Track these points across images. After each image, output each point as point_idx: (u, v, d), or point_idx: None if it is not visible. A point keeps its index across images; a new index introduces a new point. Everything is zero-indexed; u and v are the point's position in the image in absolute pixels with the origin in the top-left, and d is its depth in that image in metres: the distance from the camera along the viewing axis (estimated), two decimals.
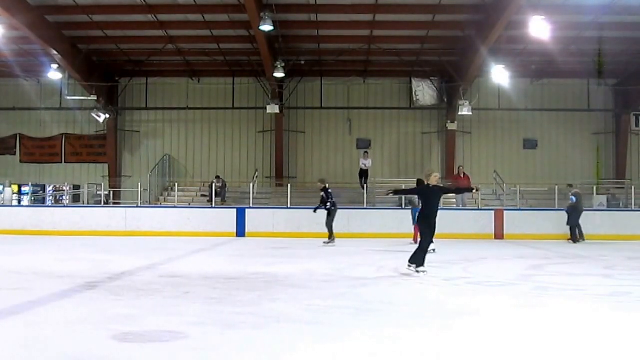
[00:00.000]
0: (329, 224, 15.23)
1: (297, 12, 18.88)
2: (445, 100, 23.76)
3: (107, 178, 24.51)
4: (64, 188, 24.18)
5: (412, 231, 15.80)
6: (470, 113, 22.25)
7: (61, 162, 25.48)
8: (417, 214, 15.85)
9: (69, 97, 23.41)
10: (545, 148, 24.64)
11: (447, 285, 7.95)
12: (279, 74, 21.29)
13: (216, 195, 21.11)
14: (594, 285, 8.19)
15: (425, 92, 23.91)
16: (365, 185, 21.24)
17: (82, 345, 4.35)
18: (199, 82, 24.96)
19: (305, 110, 24.85)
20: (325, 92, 24.74)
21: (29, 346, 4.32)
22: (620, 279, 9.02)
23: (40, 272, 8.79)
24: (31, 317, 5.46)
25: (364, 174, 22.31)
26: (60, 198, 25.44)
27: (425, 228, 8.82)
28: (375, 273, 9.28)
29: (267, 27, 17.34)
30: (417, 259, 8.73)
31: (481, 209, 19.84)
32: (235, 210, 19.42)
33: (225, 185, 22.31)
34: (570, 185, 18.66)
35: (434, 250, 9.41)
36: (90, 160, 25.41)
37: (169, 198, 22.63)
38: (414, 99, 24.04)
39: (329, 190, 15.36)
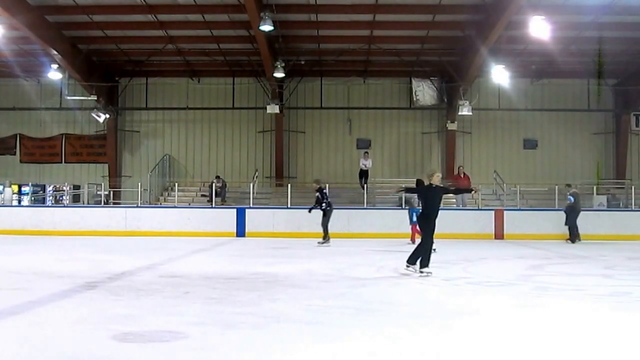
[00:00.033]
0: (324, 224, 15.30)
1: (297, 12, 18.88)
2: (445, 100, 23.75)
3: (107, 178, 24.51)
4: (64, 188, 24.17)
5: (416, 231, 15.84)
6: (470, 113, 22.25)
7: (61, 162, 25.47)
8: (414, 214, 15.96)
9: (69, 97, 23.40)
10: (545, 148, 24.63)
11: (447, 285, 7.95)
12: (279, 74, 21.29)
13: (216, 195, 21.11)
14: (594, 285, 8.19)
15: (425, 92, 23.90)
16: (365, 186, 21.24)
17: (82, 345, 4.35)
18: (199, 82, 24.96)
19: (305, 110, 24.85)
20: (325, 92, 24.74)
21: (29, 346, 4.32)
22: (620, 279, 9.02)
23: (40, 272, 8.79)
24: (31, 317, 5.46)
25: (364, 174, 22.30)
26: (60, 198, 25.44)
27: (427, 228, 8.79)
28: (375, 273, 9.28)
29: (267, 27, 17.33)
30: (422, 260, 8.65)
31: (481, 209, 19.84)
32: (235, 210, 19.42)
33: (225, 185, 22.30)
34: (569, 185, 18.66)
35: (434, 249, 9.38)
36: (90, 160, 25.41)
37: (169, 198, 22.63)
38: (414, 99, 24.04)
39: (324, 191, 15.41)
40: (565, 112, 24.40)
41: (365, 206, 20.07)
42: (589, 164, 24.50)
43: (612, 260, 11.79)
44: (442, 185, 9.36)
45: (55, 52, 20.08)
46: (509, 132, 24.67)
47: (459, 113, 22.17)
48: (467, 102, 21.88)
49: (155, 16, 19.05)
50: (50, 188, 26.04)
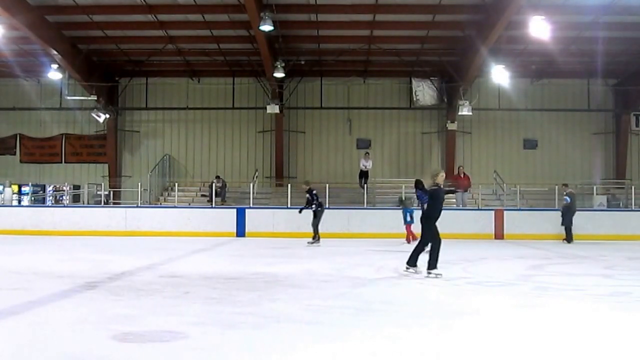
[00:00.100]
0: (314, 224, 15.47)
1: (297, 12, 18.87)
2: (445, 100, 23.75)
3: (107, 178, 24.50)
4: (64, 188, 24.18)
5: (411, 231, 15.86)
6: (470, 113, 22.24)
7: (61, 162, 25.46)
8: (407, 215, 15.99)
9: (69, 97, 23.39)
10: (545, 148, 24.63)
11: (447, 285, 7.94)
12: (279, 74, 21.29)
13: (216, 195, 21.11)
14: (594, 285, 8.19)
15: (425, 92, 23.90)
16: (365, 186, 21.23)
17: (82, 345, 4.36)
18: (199, 82, 24.95)
19: (305, 110, 24.84)
20: (325, 92, 24.74)
21: (29, 346, 4.32)
22: (620, 279, 9.03)
23: (40, 272, 8.79)
24: (31, 317, 5.46)
25: (363, 174, 22.29)
26: (60, 198, 25.44)
27: (434, 229, 8.68)
28: (375, 273, 9.28)
29: (267, 27, 17.33)
30: (430, 262, 8.53)
31: (481, 209, 19.85)
32: (235, 210, 19.43)
33: (225, 185, 22.30)
34: (565, 185, 18.63)
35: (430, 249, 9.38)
36: (90, 160, 25.40)
37: (169, 198, 22.63)
38: (414, 99, 24.03)
39: (314, 192, 15.58)
40: (565, 112, 24.40)
41: (365, 206, 20.08)
42: (589, 164, 24.50)
43: (612, 260, 11.80)
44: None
45: (55, 52, 20.08)
46: (509, 132, 24.66)
47: (459, 113, 22.16)
48: (467, 102, 21.88)
49: (155, 16, 19.04)
50: (50, 188, 26.05)
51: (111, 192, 23.36)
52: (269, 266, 10.02)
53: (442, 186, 8.91)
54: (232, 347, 4.36)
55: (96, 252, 12.68)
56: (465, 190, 20.67)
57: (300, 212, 15.90)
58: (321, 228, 15.71)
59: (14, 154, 25.57)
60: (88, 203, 22.82)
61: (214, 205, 20.53)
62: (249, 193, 20.37)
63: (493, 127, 24.66)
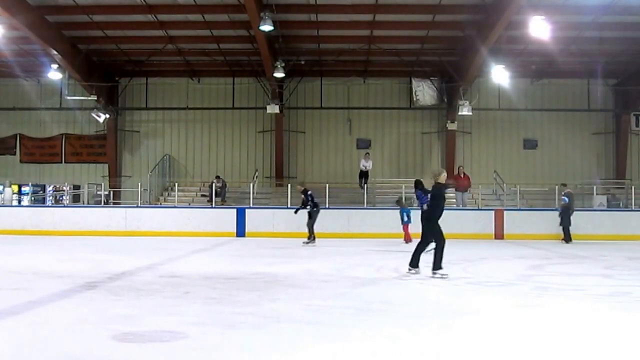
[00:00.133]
0: (309, 225, 15.52)
1: (297, 12, 18.88)
2: (445, 100, 23.75)
3: (107, 178, 24.50)
4: (64, 188, 24.18)
5: (408, 231, 15.86)
6: (470, 113, 22.24)
7: (61, 162, 25.47)
8: (405, 215, 15.99)
9: (69, 97, 23.39)
10: (545, 148, 24.63)
11: (447, 285, 7.94)
12: (279, 74, 21.29)
13: (216, 195, 21.11)
14: (594, 285, 8.19)
15: (425, 92, 23.90)
16: (365, 186, 21.22)
17: (82, 345, 4.35)
18: (199, 82, 24.96)
19: (305, 110, 24.84)
20: (325, 92, 24.74)
21: (29, 346, 4.32)
22: (620, 279, 9.03)
23: (40, 272, 8.79)
24: (31, 317, 5.46)
25: (363, 175, 22.28)
26: (60, 198, 25.45)
27: (437, 228, 8.61)
28: (375, 273, 9.28)
29: (267, 27, 17.33)
30: (435, 263, 8.47)
31: (481, 209, 19.85)
32: (235, 210, 19.43)
33: (225, 185, 22.31)
34: (564, 185, 18.62)
35: (434, 249, 9.36)
36: (90, 160, 25.40)
37: (169, 198, 22.63)
38: (414, 99, 24.03)
39: (309, 193, 15.64)
40: (565, 112, 24.40)
41: (365, 206, 20.08)
42: (589, 164, 24.50)
43: (612, 260, 11.79)
44: None
45: (55, 52, 20.08)
46: (509, 132, 24.66)
47: (459, 113, 22.17)
48: (467, 102, 21.88)
49: (155, 16, 19.05)
50: (50, 188, 26.05)
51: (111, 192, 23.37)
52: (269, 266, 10.02)
53: (445, 185, 8.88)
54: (232, 347, 4.36)
55: (96, 252, 12.68)
56: (465, 190, 20.68)
57: (295, 212, 15.98)
58: (321, 228, 15.76)
59: (14, 154, 25.57)
60: (88, 203, 22.82)
61: (214, 205, 20.53)
62: (249, 193, 20.37)
63: (493, 127, 24.66)
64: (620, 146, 24.25)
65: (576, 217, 17.70)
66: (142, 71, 24.02)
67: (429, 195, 8.96)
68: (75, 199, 24.43)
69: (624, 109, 24.10)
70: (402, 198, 17.21)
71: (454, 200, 21.12)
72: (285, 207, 19.59)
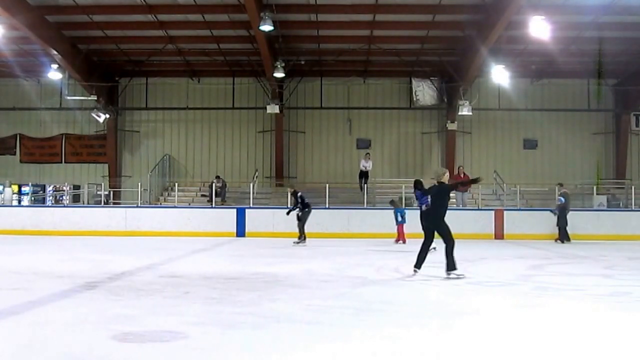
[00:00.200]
0: (300, 225, 15.60)
1: (297, 12, 18.88)
2: (445, 100, 23.75)
3: (107, 178, 24.51)
4: (64, 188, 24.18)
5: (402, 231, 15.84)
6: (470, 113, 22.25)
7: (61, 162, 25.47)
8: (399, 215, 15.98)
9: (69, 97, 23.40)
10: (545, 148, 24.64)
11: (447, 285, 7.94)
12: (279, 74, 21.29)
13: (216, 195, 21.12)
14: (594, 285, 8.19)
15: (425, 92, 23.90)
16: (364, 187, 21.21)
17: (82, 345, 4.35)
18: (199, 82, 24.96)
19: (305, 110, 24.85)
20: (325, 92, 24.74)
21: (29, 346, 4.32)
22: (620, 279, 9.02)
23: (40, 272, 8.79)
24: (31, 317, 5.46)
25: (363, 175, 22.26)
26: (60, 198, 25.45)
27: (446, 227, 8.48)
28: (375, 273, 9.28)
29: (267, 27, 17.34)
30: (448, 264, 8.36)
31: (481, 209, 19.85)
32: (235, 210, 19.43)
33: (225, 185, 22.31)
34: (560, 185, 18.60)
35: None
36: (90, 160, 25.41)
37: (169, 198, 22.63)
38: (414, 99, 24.04)
39: (299, 194, 15.77)
40: (565, 112, 24.41)
41: (365, 206, 20.08)
42: (589, 164, 24.50)
43: (612, 260, 11.79)
44: None
45: (55, 52, 20.09)
46: (509, 132, 24.67)
47: (459, 113, 22.17)
48: (467, 102, 21.89)
49: (155, 16, 19.05)
50: (50, 188, 26.05)
51: (111, 192, 23.38)
52: (269, 266, 10.02)
53: (449, 184, 8.87)
54: (232, 347, 4.36)
55: (96, 252, 12.68)
56: (465, 190, 20.68)
57: (287, 214, 16.11)
58: (321, 228, 15.88)
59: (14, 154, 25.57)
60: (88, 203, 22.82)
61: (214, 205, 20.54)
62: (249, 193, 20.37)
63: (493, 127, 24.66)
64: (620, 146, 24.25)
65: (576, 217, 17.72)
66: (142, 71, 24.03)
67: (431, 195, 8.89)
68: (75, 199, 24.44)
69: (624, 109, 24.11)
70: (395, 198, 17.22)
71: (454, 200, 21.13)
72: (285, 207, 19.51)
